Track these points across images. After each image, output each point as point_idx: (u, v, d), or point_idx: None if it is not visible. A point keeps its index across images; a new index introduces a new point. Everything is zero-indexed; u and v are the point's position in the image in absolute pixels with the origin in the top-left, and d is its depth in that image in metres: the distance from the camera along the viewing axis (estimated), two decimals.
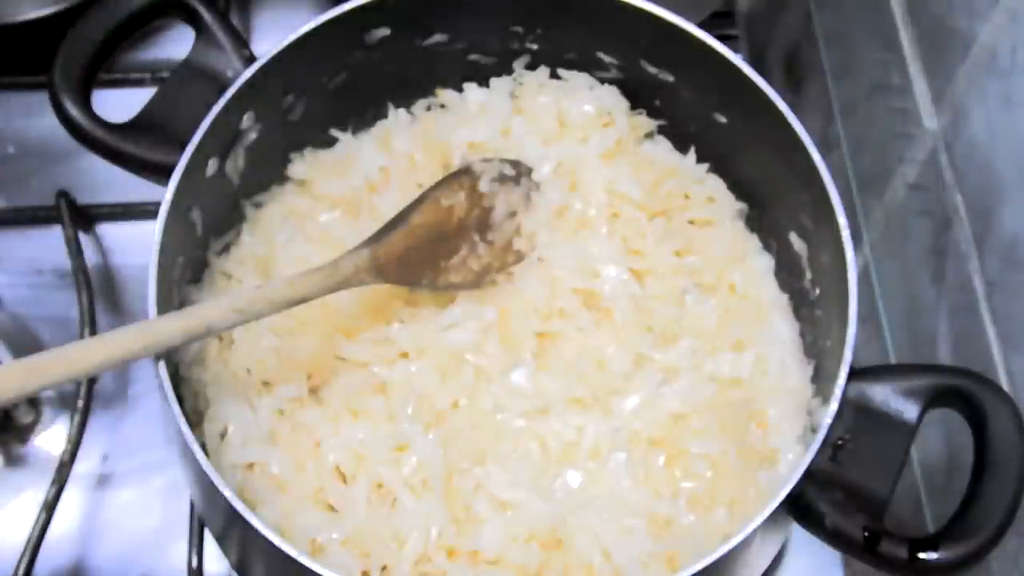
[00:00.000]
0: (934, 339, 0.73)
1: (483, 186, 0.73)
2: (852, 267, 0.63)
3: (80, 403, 0.75)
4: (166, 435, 0.77)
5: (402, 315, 0.70)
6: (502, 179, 0.73)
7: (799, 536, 0.67)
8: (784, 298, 0.74)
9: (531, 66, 0.78)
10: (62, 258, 0.82)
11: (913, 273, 0.76)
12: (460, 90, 0.78)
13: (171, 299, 0.67)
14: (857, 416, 0.61)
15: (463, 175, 0.73)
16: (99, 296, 0.82)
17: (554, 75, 0.78)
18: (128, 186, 0.76)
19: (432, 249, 0.70)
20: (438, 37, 0.76)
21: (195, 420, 0.66)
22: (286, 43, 0.68)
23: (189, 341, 0.60)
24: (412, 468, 0.65)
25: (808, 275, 0.71)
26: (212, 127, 0.66)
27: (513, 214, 0.73)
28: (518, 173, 0.74)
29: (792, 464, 0.66)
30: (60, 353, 0.56)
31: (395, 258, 0.68)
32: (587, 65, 0.77)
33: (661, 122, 0.78)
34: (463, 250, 0.71)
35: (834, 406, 0.61)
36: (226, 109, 0.66)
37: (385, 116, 0.78)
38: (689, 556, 0.60)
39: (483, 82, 0.78)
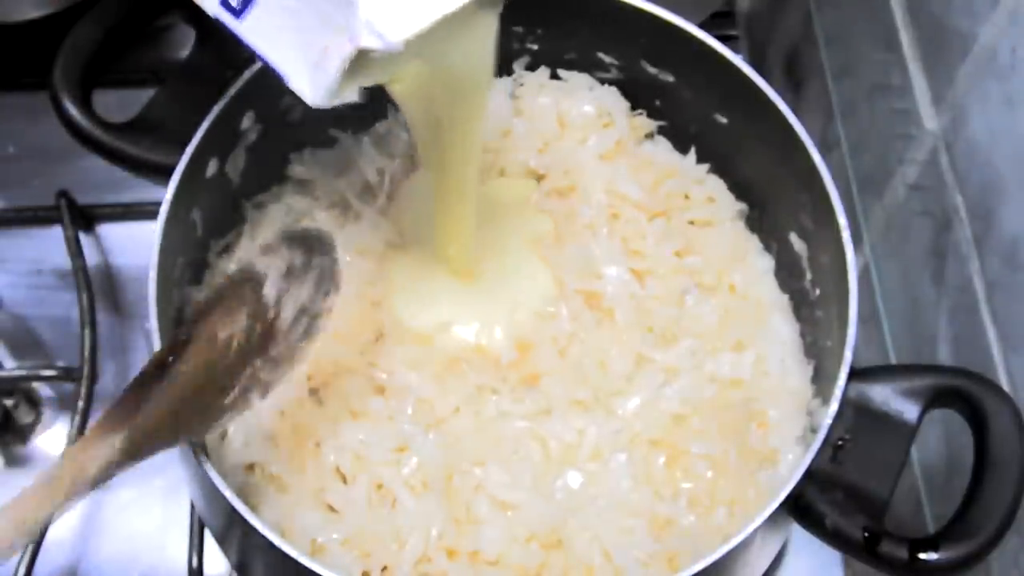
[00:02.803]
0: (934, 339, 0.73)
1: (268, 292, 0.59)
2: (852, 267, 0.63)
3: (80, 403, 0.75)
4: None
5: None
6: (290, 273, 0.59)
7: (799, 536, 0.67)
8: (784, 298, 0.74)
9: (531, 66, 0.78)
10: (62, 258, 0.82)
11: (913, 273, 0.76)
12: None
13: (171, 299, 0.67)
14: (857, 416, 0.61)
15: (244, 284, 0.59)
16: (99, 296, 0.82)
17: (554, 76, 0.78)
18: (128, 186, 0.76)
19: (204, 394, 0.57)
20: None
21: None
22: None
23: None
24: (412, 468, 0.65)
25: (808, 275, 0.71)
26: (212, 127, 0.66)
27: (302, 310, 0.60)
28: (309, 255, 0.60)
29: (792, 464, 0.66)
30: None
31: (156, 427, 0.55)
32: (587, 65, 0.77)
33: (661, 123, 0.78)
34: (241, 379, 0.58)
35: (834, 406, 0.61)
36: (226, 109, 0.66)
37: (385, 116, 0.78)
38: (689, 556, 0.60)
39: None
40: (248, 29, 0.54)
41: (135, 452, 0.54)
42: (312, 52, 0.52)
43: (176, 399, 0.56)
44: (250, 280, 0.59)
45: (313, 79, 0.52)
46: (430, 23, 0.51)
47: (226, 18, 0.54)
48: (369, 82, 0.54)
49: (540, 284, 0.72)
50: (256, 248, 0.65)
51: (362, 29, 0.50)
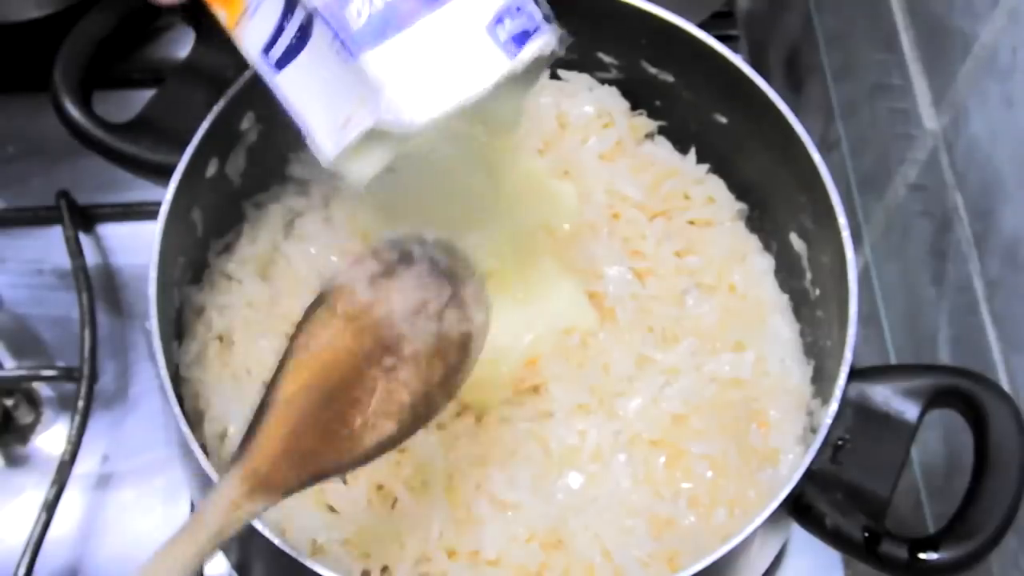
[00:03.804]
0: (934, 339, 0.73)
1: (362, 293, 0.55)
2: (852, 267, 0.63)
3: (80, 403, 0.75)
4: (166, 435, 0.77)
5: None
6: (386, 272, 0.55)
7: (799, 536, 0.67)
8: (784, 298, 0.74)
9: None
10: (62, 258, 0.82)
11: (913, 273, 0.76)
12: None
13: (171, 299, 0.67)
14: (857, 416, 0.61)
15: (328, 299, 0.55)
16: (99, 296, 0.82)
17: (554, 76, 0.78)
18: (128, 186, 0.76)
19: (328, 416, 0.52)
20: None
21: (195, 420, 0.66)
22: None
23: None
24: (413, 469, 0.65)
25: (808, 275, 0.71)
26: (212, 127, 0.66)
27: (424, 302, 0.55)
28: (402, 251, 0.56)
29: (792, 464, 0.66)
30: None
31: (278, 458, 0.50)
32: (587, 66, 0.77)
33: (661, 123, 0.78)
34: (376, 390, 0.53)
35: (834, 406, 0.61)
36: (226, 109, 0.66)
37: None
38: (689, 556, 0.60)
39: None
40: (283, 81, 0.55)
41: (263, 488, 0.50)
42: (337, 117, 0.54)
43: (291, 424, 0.51)
44: (339, 289, 0.55)
45: (332, 142, 0.54)
46: (449, 109, 0.52)
47: (264, 68, 0.56)
48: (389, 155, 0.55)
49: (565, 296, 0.71)
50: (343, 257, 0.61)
51: (384, 107, 0.52)
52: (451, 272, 0.56)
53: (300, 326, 0.54)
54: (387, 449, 0.53)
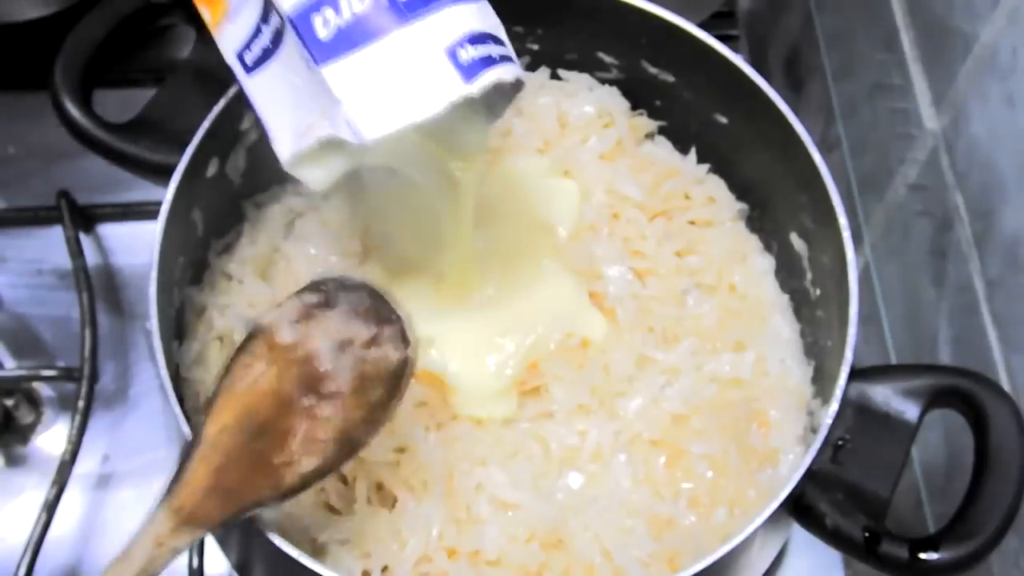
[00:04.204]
0: (934, 339, 0.73)
1: (284, 336, 0.57)
2: (852, 267, 0.63)
3: (81, 403, 0.75)
4: (166, 435, 0.77)
5: None
6: (308, 315, 0.57)
7: (799, 536, 0.67)
8: (784, 298, 0.74)
9: (531, 67, 0.78)
10: (63, 258, 0.82)
11: (913, 273, 0.76)
12: None
13: (171, 299, 0.67)
14: (857, 416, 0.61)
15: (256, 336, 0.57)
16: (100, 296, 0.82)
17: (554, 76, 0.78)
18: (128, 186, 0.76)
19: (252, 453, 0.54)
20: None
21: None
22: None
23: None
24: (413, 469, 0.65)
25: (808, 275, 0.71)
26: (212, 127, 0.66)
27: (346, 342, 0.57)
28: (327, 294, 0.58)
29: (792, 464, 0.66)
30: None
31: (202, 495, 0.53)
32: (587, 65, 0.77)
33: (662, 123, 0.78)
34: (297, 428, 0.55)
35: (834, 406, 0.61)
36: (226, 109, 0.66)
37: None
38: (690, 556, 0.60)
39: None
40: (253, 85, 0.57)
41: (190, 522, 0.53)
42: (300, 124, 0.55)
43: (218, 460, 0.54)
44: (262, 331, 0.57)
45: (291, 147, 0.56)
46: (402, 127, 0.53)
47: (238, 69, 0.57)
48: (347, 165, 0.57)
49: (566, 295, 0.71)
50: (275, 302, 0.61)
51: (341, 120, 0.53)
52: (374, 313, 0.58)
53: (226, 368, 0.56)
54: (312, 482, 0.55)
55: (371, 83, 0.53)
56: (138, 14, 0.69)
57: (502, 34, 0.56)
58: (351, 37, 0.52)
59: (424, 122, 0.53)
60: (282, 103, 0.56)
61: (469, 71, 0.53)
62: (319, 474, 0.55)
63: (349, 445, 0.56)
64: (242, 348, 0.57)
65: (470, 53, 0.53)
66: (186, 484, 0.53)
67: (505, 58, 0.55)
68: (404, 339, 0.58)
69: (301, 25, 0.53)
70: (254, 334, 0.57)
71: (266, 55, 0.55)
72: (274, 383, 0.56)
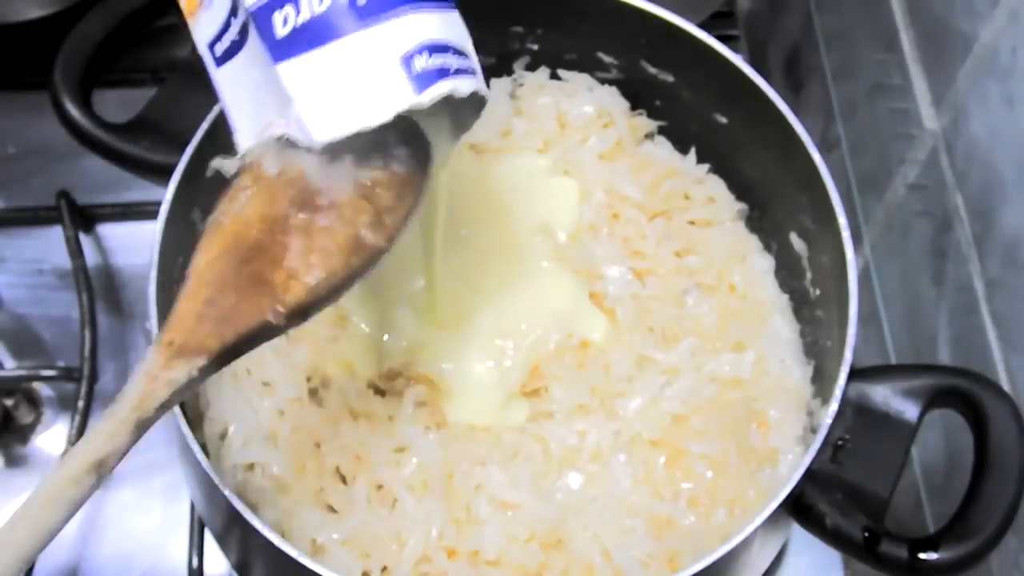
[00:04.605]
0: (934, 339, 0.73)
1: (269, 165, 0.54)
2: (852, 267, 0.63)
3: (80, 403, 0.75)
4: (166, 435, 0.77)
5: None
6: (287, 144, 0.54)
7: (799, 536, 0.67)
8: (784, 298, 0.74)
9: (531, 66, 0.78)
10: (62, 258, 0.82)
11: (913, 273, 0.76)
12: None
13: (171, 299, 0.67)
14: (857, 416, 0.61)
15: (238, 177, 0.55)
16: (99, 296, 0.82)
17: (554, 76, 0.78)
18: (128, 186, 0.76)
19: (245, 276, 0.52)
20: None
21: (195, 421, 0.66)
22: None
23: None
24: (412, 469, 0.65)
25: (808, 275, 0.71)
26: (212, 127, 0.66)
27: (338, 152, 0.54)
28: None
29: (792, 464, 0.66)
30: None
31: (194, 323, 0.51)
32: (587, 65, 0.77)
33: (661, 123, 0.78)
34: (294, 239, 0.52)
35: (834, 406, 0.61)
36: None
37: None
38: (689, 556, 0.60)
39: None
40: (221, 77, 0.56)
41: (186, 351, 0.50)
42: (260, 119, 0.54)
43: (206, 289, 0.51)
44: (247, 167, 0.54)
45: (250, 142, 0.55)
46: (348, 132, 0.52)
47: (208, 60, 0.56)
48: None
49: (566, 295, 0.71)
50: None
51: (292, 119, 0.52)
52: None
53: (214, 208, 0.54)
54: (322, 297, 0.52)
55: (324, 84, 0.52)
56: (138, 14, 0.69)
57: (467, 46, 0.55)
58: (308, 36, 0.52)
59: (373, 128, 0.52)
60: (246, 97, 0.55)
61: (421, 81, 0.52)
62: (330, 286, 0.52)
63: (360, 253, 0.53)
64: (228, 184, 0.54)
65: (425, 63, 0.52)
66: (174, 318, 0.51)
67: (463, 71, 0.54)
68: (411, 141, 0.56)
69: (261, 21, 0.53)
70: (240, 171, 0.54)
71: (234, 48, 0.55)
72: (261, 207, 0.53)
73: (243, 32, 0.54)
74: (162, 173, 0.65)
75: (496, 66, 0.78)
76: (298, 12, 0.52)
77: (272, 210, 0.53)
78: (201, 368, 0.50)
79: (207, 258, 0.52)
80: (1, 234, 0.86)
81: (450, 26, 0.55)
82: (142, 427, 0.49)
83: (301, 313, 0.52)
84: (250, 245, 0.52)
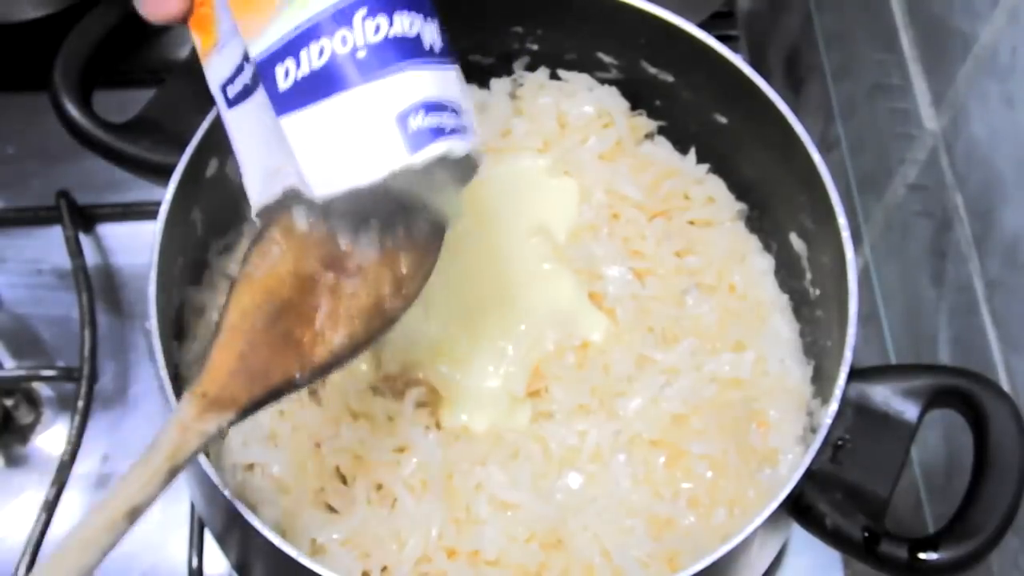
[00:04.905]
0: (934, 339, 0.73)
1: (299, 223, 0.55)
2: (852, 267, 0.63)
3: (80, 404, 0.75)
4: None
5: None
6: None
7: (799, 536, 0.67)
8: (784, 298, 0.74)
9: (531, 67, 0.78)
10: (62, 258, 0.82)
11: (913, 273, 0.76)
12: None
13: (171, 299, 0.67)
14: (857, 416, 0.61)
15: (268, 230, 0.56)
16: (99, 296, 0.82)
17: (554, 76, 0.78)
18: (128, 186, 0.76)
19: (276, 334, 0.54)
20: None
21: None
22: None
23: None
24: (412, 469, 0.65)
25: (808, 275, 0.71)
26: (212, 127, 0.66)
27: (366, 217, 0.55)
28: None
29: (792, 464, 0.66)
30: None
31: (226, 378, 0.53)
32: (587, 66, 0.77)
33: (661, 123, 0.78)
34: (322, 305, 0.55)
35: (834, 406, 0.61)
36: None
37: None
38: (689, 556, 0.60)
39: (483, 83, 0.78)
40: (232, 119, 0.56)
41: (215, 405, 0.52)
42: (269, 164, 0.54)
43: (240, 344, 0.53)
44: (276, 220, 0.55)
45: (260, 187, 0.55)
46: (347, 188, 0.52)
47: (220, 101, 0.57)
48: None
49: (566, 295, 0.71)
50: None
51: (296, 173, 0.53)
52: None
53: (244, 257, 0.55)
54: (343, 359, 0.55)
55: (322, 139, 0.52)
56: (138, 14, 0.69)
57: (463, 104, 0.55)
58: (308, 90, 0.52)
59: (368, 186, 0.52)
60: (256, 140, 0.55)
61: (416, 141, 0.52)
62: (352, 349, 0.55)
63: (380, 318, 0.55)
64: (259, 236, 0.55)
65: (420, 122, 0.52)
66: (209, 370, 0.53)
67: (458, 130, 0.53)
68: (432, 214, 0.57)
69: (265, 73, 0.53)
70: (268, 224, 0.55)
71: (246, 92, 0.55)
72: (293, 264, 0.55)
73: (255, 78, 0.54)
74: (162, 173, 0.65)
75: (496, 66, 0.78)
76: (298, 66, 0.52)
77: (303, 267, 0.55)
78: (230, 421, 0.53)
79: (240, 311, 0.54)
80: (1, 234, 0.86)
81: (447, 83, 0.54)
82: (173, 474, 0.51)
83: (322, 371, 0.55)
84: (282, 302, 0.54)
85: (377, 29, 0.52)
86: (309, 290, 0.55)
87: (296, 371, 0.54)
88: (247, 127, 0.56)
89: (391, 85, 0.52)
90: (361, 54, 0.51)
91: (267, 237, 0.55)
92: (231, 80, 0.56)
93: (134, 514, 0.50)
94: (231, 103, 0.56)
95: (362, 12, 0.52)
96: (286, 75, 0.52)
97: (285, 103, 0.52)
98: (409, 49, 0.53)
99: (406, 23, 0.53)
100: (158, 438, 0.51)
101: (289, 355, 0.54)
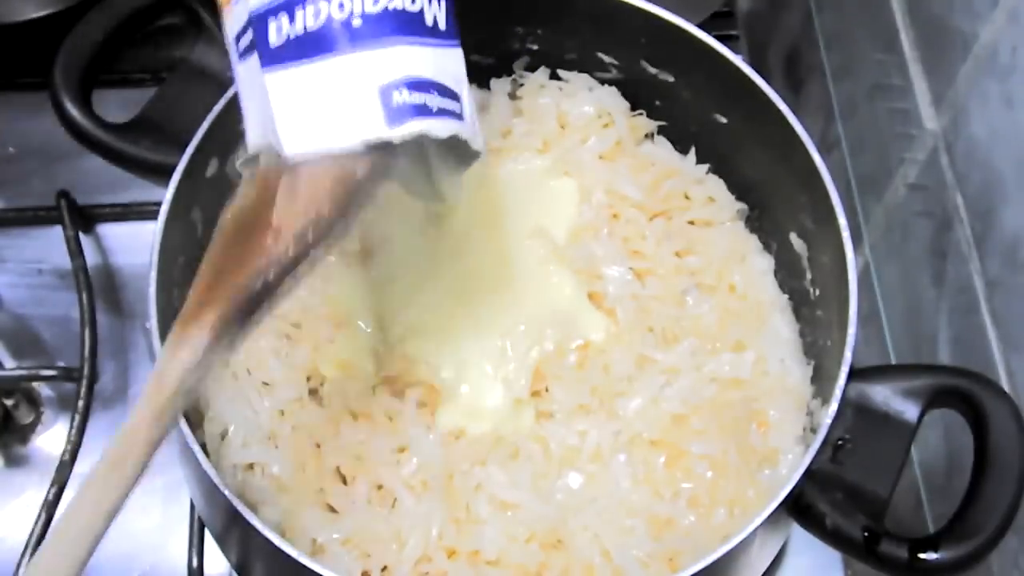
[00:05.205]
0: (934, 339, 0.73)
1: (266, 167, 0.56)
2: (852, 267, 0.63)
3: (80, 403, 0.75)
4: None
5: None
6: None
7: (799, 536, 0.67)
8: (784, 298, 0.74)
9: (531, 67, 0.78)
10: (62, 258, 0.82)
11: (913, 273, 0.76)
12: None
13: (171, 299, 0.67)
14: (857, 416, 0.61)
15: (239, 188, 0.57)
16: (99, 296, 0.82)
17: (554, 76, 0.78)
18: (128, 186, 0.76)
19: (240, 248, 0.55)
20: None
21: (195, 420, 0.66)
22: None
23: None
24: (412, 469, 0.65)
25: (808, 275, 0.71)
26: (212, 127, 0.66)
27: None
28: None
29: (792, 464, 0.66)
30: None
31: (202, 298, 0.54)
32: (587, 66, 0.77)
33: (661, 123, 0.78)
34: (282, 200, 0.54)
35: (834, 406, 0.61)
36: (226, 109, 0.66)
37: None
38: (689, 556, 0.60)
39: (483, 83, 0.78)
40: (240, 71, 0.56)
41: (194, 329, 0.52)
42: (265, 120, 0.54)
43: (207, 278, 0.54)
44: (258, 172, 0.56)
45: (254, 138, 0.55)
46: (318, 151, 0.52)
47: (232, 52, 0.57)
48: None
49: (566, 296, 0.71)
50: None
51: (271, 131, 0.53)
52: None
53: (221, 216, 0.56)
54: (314, 240, 0.53)
55: (303, 100, 0.52)
56: (138, 14, 0.69)
57: (459, 88, 0.54)
58: (298, 49, 0.52)
59: (341, 152, 0.52)
60: (257, 96, 0.55)
61: (395, 116, 0.52)
62: (318, 228, 0.53)
63: (346, 194, 0.54)
64: (236, 190, 0.57)
65: (403, 97, 0.52)
66: (188, 301, 0.54)
67: (445, 112, 0.53)
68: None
69: (258, 25, 0.53)
70: (250, 176, 0.56)
71: (252, 46, 0.55)
72: (256, 197, 0.55)
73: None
74: (162, 173, 0.65)
75: (496, 66, 0.78)
76: (292, 23, 0.52)
77: (264, 197, 0.54)
78: (207, 347, 0.52)
79: (211, 259, 0.55)
80: (1, 234, 0.86)
81: (444, 64, 0.54)
82: (166, 413, 0.51)
83: (296, 260, 0.53)
84: (241, 228, 0.55)
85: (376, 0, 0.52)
86: (266, 209, 0.54)
87: (266, 265, 0.53)
88: (252, 79, 0.55)
89: (379, 57, 0.52)
90: (356, 22, 0.52)
91: (239, 191, 0.56)
92: (243, 32, 0.56)
93: (132, 467, 0.50)
94: (241, 56, 0.56)
95: None
96: (278, 30, 0.52)
97: (272, 58, 0.52)
98: (406, 23, 0.53)
99: None
100: (151, 378, 0.51)
101: (255, 259, 0.53)
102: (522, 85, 0.78)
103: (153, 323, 0.61)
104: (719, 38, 0.70)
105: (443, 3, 0.54)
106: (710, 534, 0.64)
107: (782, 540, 0.69)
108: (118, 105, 0.68)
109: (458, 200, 0.59)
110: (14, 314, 0.83)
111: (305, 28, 0.52)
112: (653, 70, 0.75)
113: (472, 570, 0.62)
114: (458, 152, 0.56)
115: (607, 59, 0.76)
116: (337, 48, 0.52)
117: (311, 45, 0.52)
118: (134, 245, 0.85)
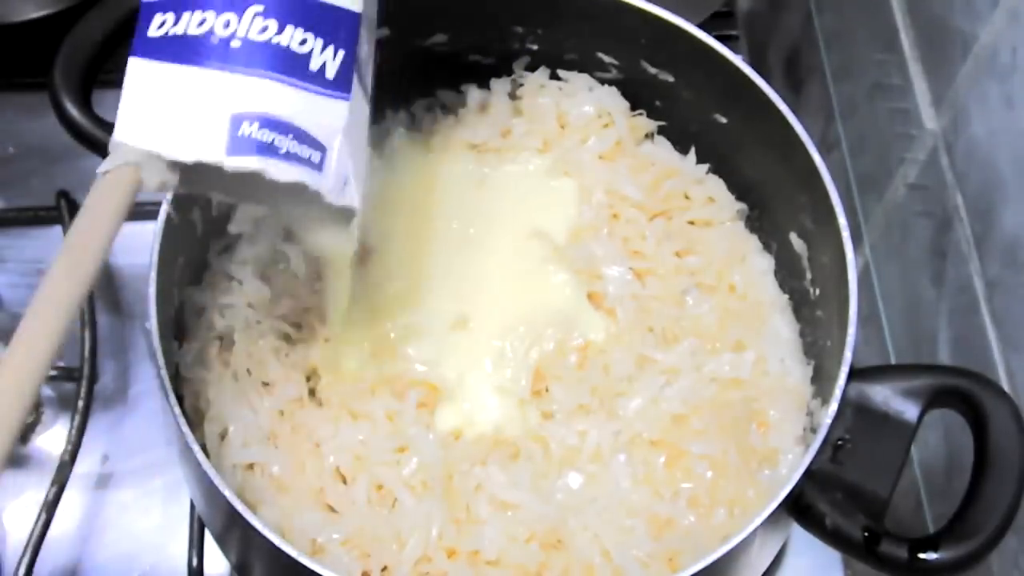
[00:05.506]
0: (934, 339, 0.73)
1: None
2: (852, 267, 0.63)
3: (80, 403, 0.75)
4: (166, 435, 0.77)
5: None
6: None
7: (799, 536, 0.67)
8: (784, 298, 0.74)
9: (531, 67, 0.78)
10: None
11: (913, 273, 0.76)
12: (460, 91, 0.78)
13: (171, 299, 0.67)
14: (857, 416, 0.61)
15: None
16: (99, 296, 0.82)
17: (554, 76, 0.78)
18: None
19: None
20: (438, 38, 0.76)
21: (195, 420, 0.66)
22: None
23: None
24: (412, 469, 0.65)
25: (808, 275, 0.71)
26: None
27: None
28: None
29: (792, 464, 0.66)
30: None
31: None
32: (587, 66, 0.77)
33: (661, 123, 0.78)
34: None
35: (834, 406, 0.61)
36: None
37: (384, 117, 0.78)
38: (689, 556, 0.60)
39: (483, 83, 0.78)
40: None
41: None
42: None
43: None
44: None
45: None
46: (147, 152, 0.52)
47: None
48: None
49: (566, 296, 0.71)
50: None
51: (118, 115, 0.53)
52: None
53: None
54: None
55: (155, 97, 0.52)
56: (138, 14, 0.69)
57: (327, 139, 0.53)
58: (170, 49, 0.52)
59: (171, 161, 0.52)
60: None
61: (237, 146, 0.51)
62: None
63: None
64: None
65: (252, 131, 0.52)
66: None
67: (295, 157, 0.52)
68: None
69: (144, 13, 0.53)
70: None
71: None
72: None
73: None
74: None
75: (496, 66, 0.78)
76: (176, 23, 0.52)
77: None
78: None
79: None
80: (1, 234, 0.86)
81: (316, 112, 0.53)
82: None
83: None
84: None
85: (264, 30, 0.52)
86: None
87: None
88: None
89: (243, 84, 0.52)
90: (236, 43, 0.52)
91: None
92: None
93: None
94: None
95: (257, 8, 0.52)
96: (161, 24, 0.53)
97: (143, 47, 0.53)
98: (285, 61, 0.52)
99: (298, 38, 0.52)
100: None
101: None
102: (522, 85, 0.78)
103: (153, 323, 0.61)
104: (719, 38, 0.70)
105: (340, 54, 0.54)
106: (710, 534, 0.64)
107: (782, 540, 0.69)
108: (118, 105, 0.68)
109: (346, 249, 0.59)
110: (14, 314, 0.83)
111: (185, 31, 0.52)
112: (653, 70, 0.75)
113: (472, 570, 0.62)
114: (319, 204, 0.55)
115: (607, 59, 0.76)
116: (207, 62, 0.52)
117: (184, 49, 0.52)
118: (134, 245, 0.84)
